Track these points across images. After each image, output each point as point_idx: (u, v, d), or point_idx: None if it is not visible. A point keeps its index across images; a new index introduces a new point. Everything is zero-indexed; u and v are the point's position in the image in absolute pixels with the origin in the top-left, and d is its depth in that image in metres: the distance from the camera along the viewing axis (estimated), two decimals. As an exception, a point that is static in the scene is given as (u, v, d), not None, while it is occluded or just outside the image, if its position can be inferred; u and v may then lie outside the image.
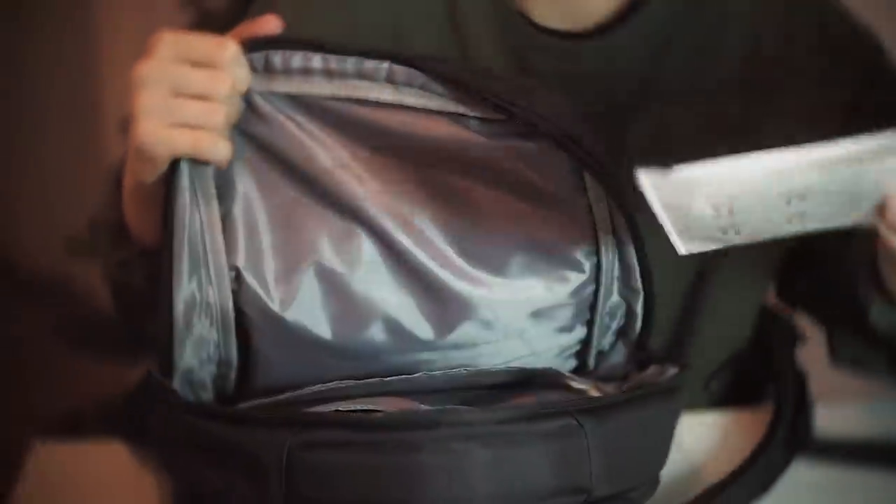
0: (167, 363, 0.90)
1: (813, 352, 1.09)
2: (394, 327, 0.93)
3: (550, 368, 0.96)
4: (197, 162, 0.89)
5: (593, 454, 0.82)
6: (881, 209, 0.79)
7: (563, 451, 0.81)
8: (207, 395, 0.94)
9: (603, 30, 1.02)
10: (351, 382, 0.91)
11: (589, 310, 0.96)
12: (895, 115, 0.88)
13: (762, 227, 0.82)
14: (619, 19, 1.01)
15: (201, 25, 0.98)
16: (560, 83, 1.00)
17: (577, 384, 0.95)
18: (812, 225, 0.82)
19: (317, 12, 1.04)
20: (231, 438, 0.82)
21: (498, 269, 0.93)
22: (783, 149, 0.78)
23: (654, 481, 0.90)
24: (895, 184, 0.78)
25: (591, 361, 0.98)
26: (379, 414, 0.83)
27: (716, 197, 0.80)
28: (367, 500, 0.80)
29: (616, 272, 0.94)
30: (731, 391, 1.11)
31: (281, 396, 0.91)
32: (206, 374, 0.93)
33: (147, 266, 0.97)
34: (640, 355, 0.97)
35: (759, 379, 1.10)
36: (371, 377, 0.93)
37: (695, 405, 1.01)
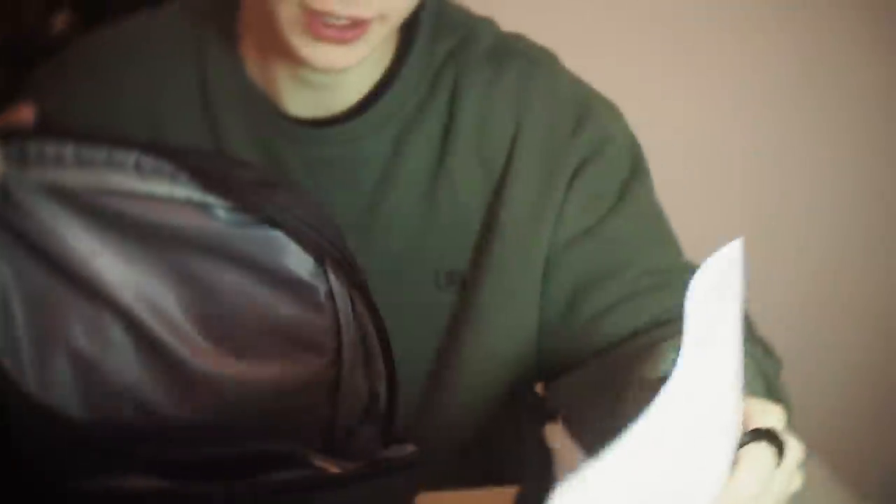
0: None
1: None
2: (145, 408, 0.97)
3: (297, 447, 0.99)
4: None
5: None
6: None
7: None
8: None
9: (349, 115, 1.06)
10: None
11: (334, 389, 1.00)
12: None
13: None
14: (365, 105, 1.06)
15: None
16: (308, 170, 1.04)
17: (319, 462, 0.99)
18: None
19: (81, 99, 1.07)
20: None
21: (243, 351, 0.98)
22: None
23: None
24: None
25: (340, 439, 1.02)
26: None
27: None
28: None
29: (359, 355, 0.99)
30: (482, 467, 1.15)
31: None
32: None
33: None
34: (387, 435, 1.01)
35: (506, 456, 1.15)
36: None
37: (444, 483, 1.05)
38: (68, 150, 0.95)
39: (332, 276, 0.97)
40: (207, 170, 0.95)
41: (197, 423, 0.98)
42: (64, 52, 1.11)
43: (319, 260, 0.97)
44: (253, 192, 0.95)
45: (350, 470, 0.95)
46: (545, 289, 1.07)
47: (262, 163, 1.04)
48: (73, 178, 0.95)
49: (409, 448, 0.97)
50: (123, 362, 0.97)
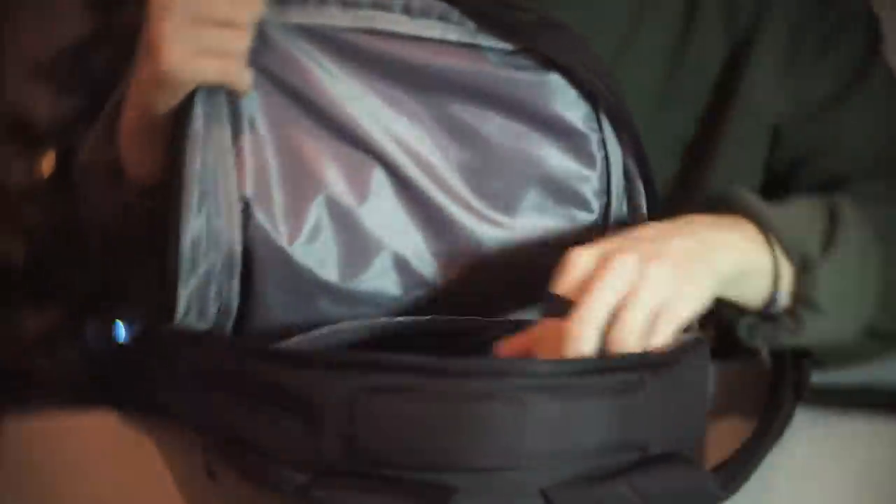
0: (172, 302, 0.86)
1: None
2: (399, 264, 0.91)
3: None
4: (213, 90, 0.86)
5: (651, 410, 0.78)
6: None
7: (625, 406, 0.77)
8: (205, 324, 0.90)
9: None
10: (356, 323, 0.89)
11: None
12: None
13: None
14: None
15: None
16: None
17: None
18: None
19: None
20: (286, 381, 0.76)
21: (509, 207, 0.92)
22: None
23: (700, 442, 0.86)
24: None
25: None
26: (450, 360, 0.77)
27: None
28: (433, 449, 0.74)
29: (624, 214, 0.94)
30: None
31: (293, 339, 0.88)
32: (207, 317, 0.89)
33: (147, 206, 0.93)
34: None
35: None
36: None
37: None
38: None
39: (605, 125, 0.92)
40: (482, 10, 0.90)
41: (453, 282, 0.92)
42: None
43: (594, 107, 0.92)
44: (530, 34, 0.90)
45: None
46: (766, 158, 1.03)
47: None
48: (335, 19, 0.90)
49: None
50: (385, 212, 0.91)
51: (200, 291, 0.87)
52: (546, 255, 0.92)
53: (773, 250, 0.86)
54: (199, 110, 0.86)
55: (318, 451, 0.74)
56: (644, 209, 0.94)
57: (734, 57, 1.01)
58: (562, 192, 0.92)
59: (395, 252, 0.91)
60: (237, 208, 0.88)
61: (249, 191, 0.88)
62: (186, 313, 0.87)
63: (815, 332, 0.88)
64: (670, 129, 1.01)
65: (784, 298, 0.87)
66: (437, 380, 0.74)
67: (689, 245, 0.82)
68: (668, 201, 0.97)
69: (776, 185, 1.02)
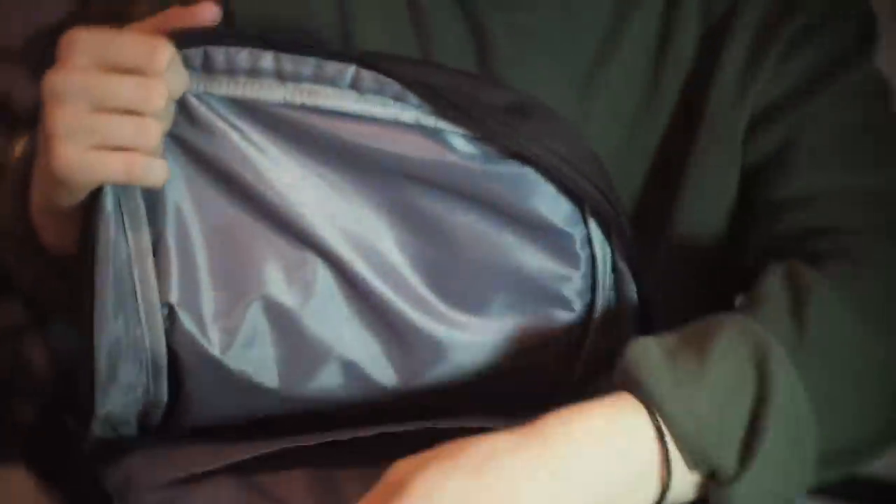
0: (87, 412, 0.77)
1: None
2: (351, 371, 0.80)
3: None
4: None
5: None
6: None
7: None
8: (129, 430, 0.81)
9: None
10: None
11: (577, 346, 0.83)
12: None
13: None
14: None
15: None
16: (513, 42, 0.85)
17: None
18: None
19: None
20: None
21: (477, 308, 0.80)
22: None
23: None
24: None
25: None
26: None
27: None
28: None
29: (610, 315, 0.82)
30: None
31: (238, 458, 0.78)
32: (131, 414, 0.80)
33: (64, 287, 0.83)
34: None
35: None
36: (319, 421, 0.81)
37: None
38: (266, 59, 0.76)
39: (591, 223, 0.79)
40: (443, 90, 0.76)
41: (414, 390, 0.81)
42: None
43: (577, 203, 0.78)
44: (499, 120, 0.76)
45: None
46: None
47: (463, 31, 0.84)
48: (273, 93, 0.76)
49: None
50: (331, 314, 0.79)
51: (122, 400, 0.78)
52: (519, 356, 0.82)
53: (665, 451, 0.70)
54: (108, 206, 0.75)
55: None
56: (634, 300, 0.81)
57: (709, 50, 0.86)
58: (539, 292, 0.80)
59: (343, 357, 0.79)
60: (160, 314, 0.77)
61: (174, 295, 0.77)
62: (106, 422, 0.78)
63: None
64: (644, 140, 0.87)
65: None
66: None
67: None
68: (639, 226, 0.84)
69: (747, 213, 0.87)
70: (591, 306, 0.81)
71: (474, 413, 0.82)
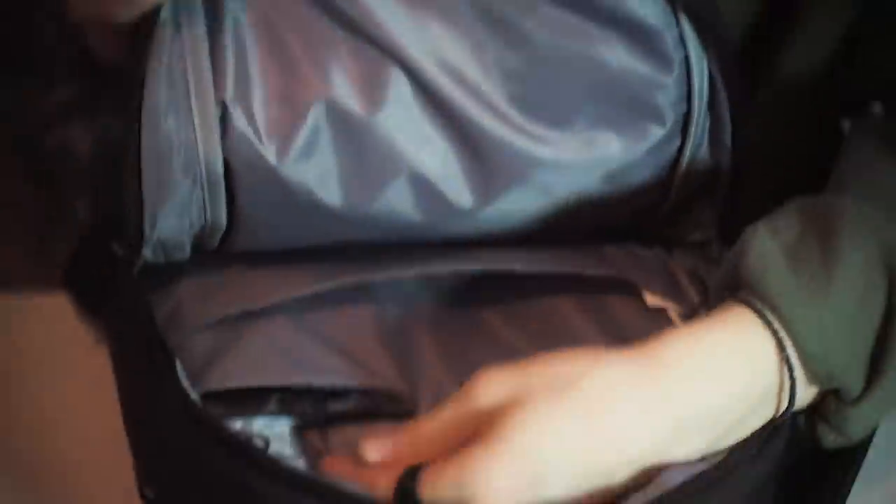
0: (137, 234, 0.70)
1: None
2: (422, 188, 0.73)
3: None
4: None
5: None
6: None
7: None
8: (182, 255, 0.74)
9: None
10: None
11: (671, 166, 0.76)
12: None
13: None
14: None
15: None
16: None
17: (653, 299, 0.76)
18: None
19: None
20: (252, 487, 0.59)
21: (562, 121, 0.72)
22: None
23: None
24: None
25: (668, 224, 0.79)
26: None
27: None
28: None
29: (706, 124, 0.75)
30: None
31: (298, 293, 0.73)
32: (186, 237, 0.73)
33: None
34: (730, 220, 0.78)
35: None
36: (387, 245, 0.75)
37: None
38: None
39: (684, 21, 0.71)
40: None
41: (492, 217, 0.74)
42: None
43: (669, 1, 0.71)
44: None
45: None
46: None
47: None
48: None
49: None
50: (403, 128, 0.71)
51: (176, 222, 0.71)
52: (607, 180, 0.75)
53: (785, 369, 0.63)
54: (166, 13, 0.67)
55: None
56: (728, 122, 0.74)
57: None
58: (629, 102, 0.72)
59: (415, 171, 0.72)
60: (214, 115, 0.69)
61: (228, 94, 0.69)
62: (158, 246, 0.72)
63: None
64: None
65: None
66: None
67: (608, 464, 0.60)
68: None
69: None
70: (685, 121, 0.74)
71: (552, 255, 0.77)
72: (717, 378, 0.62)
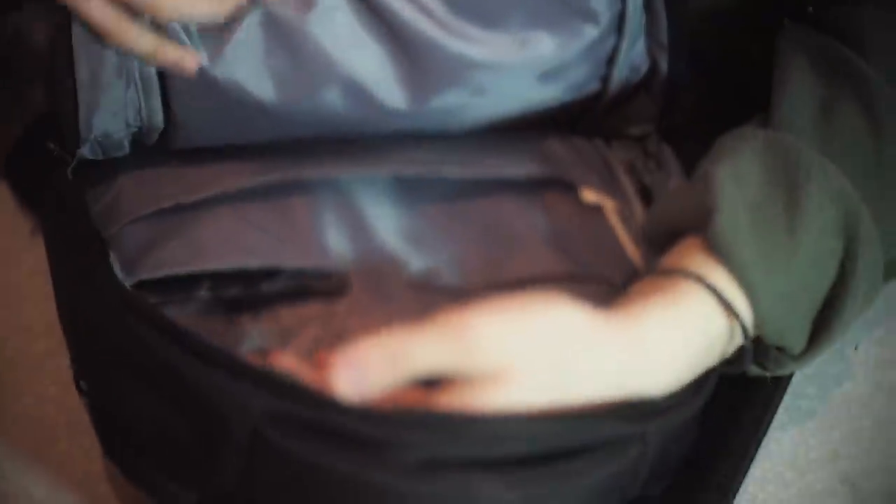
0: (72, 132, 0.71)
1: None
2: (356, 91, 0.73)
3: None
4: None
5: (650, 459, 0.61)
6: None
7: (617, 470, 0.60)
8: (122, 152, 0.74)
9: None
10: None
11: (606, 64, 0.76)
12: None
13: None
14: None
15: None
16: None
17: (590, 195, 0.76)
18: None
19: None
20: (190, 375, 0.58)
21: (495, 22, 0.72)
22: None
23: None
24: None
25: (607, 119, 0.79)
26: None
27: None
28: None
29: (642, 21, 0.74)
30: None
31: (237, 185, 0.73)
32: (123, 138, 0.74)
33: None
34: (666, 116, 0.78)
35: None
36: (322, 141, 0.75)
37: None
38: None
39: None
40: None
41: (426, 118, 0.74)
42: None
43: None
44: None
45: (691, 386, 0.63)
46: None
47: None
48: None
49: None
50: (335, 32, 0.71)
51: (112, 122, 0.71)
52: (539, 81, 0.75)
53: (738, 327, 0.62)
54: None
55: (210, 475, 0.58)
56: (664, 19, 0.74)
57: None
58: (561, 2, 0.72)
59: (347, 72, 0.72)
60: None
61: None
62: (95, 144, 0.72)
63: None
64: None
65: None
66: (350, 433, 0.55)
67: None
68: None
69: None
70: (621, 19, 0.74)
71: (492, 154, 0.77)
72: (682, 337, 0.61)
